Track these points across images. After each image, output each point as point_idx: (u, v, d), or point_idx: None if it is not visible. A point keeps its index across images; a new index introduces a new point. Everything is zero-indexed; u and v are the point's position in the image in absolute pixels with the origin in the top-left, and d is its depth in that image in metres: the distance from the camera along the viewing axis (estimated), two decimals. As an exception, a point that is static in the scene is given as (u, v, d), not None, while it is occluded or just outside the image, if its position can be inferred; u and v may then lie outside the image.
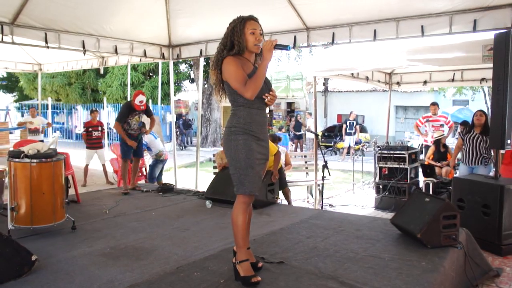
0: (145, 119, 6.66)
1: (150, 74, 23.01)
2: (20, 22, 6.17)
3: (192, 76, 25.31)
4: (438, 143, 8.22)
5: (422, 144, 9.62)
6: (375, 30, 5.88)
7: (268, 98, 2.93)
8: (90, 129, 9.30)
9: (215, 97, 3.18)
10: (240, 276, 2.90)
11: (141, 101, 6.17)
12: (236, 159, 2.89)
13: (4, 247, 3.05)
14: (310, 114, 17.19)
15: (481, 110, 6.29)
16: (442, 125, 9.06)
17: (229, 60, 2.87)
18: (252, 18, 2.95)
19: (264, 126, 3.03)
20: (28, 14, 6.10)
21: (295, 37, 6.56)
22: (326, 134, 20.82)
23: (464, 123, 7.87)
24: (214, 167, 7.61)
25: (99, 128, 9.44)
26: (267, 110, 3.10)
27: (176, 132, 19.49)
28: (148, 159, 8.78)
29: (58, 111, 23.59)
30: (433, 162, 8.10)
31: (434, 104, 9.30)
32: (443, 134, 8.46)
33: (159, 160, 8.36)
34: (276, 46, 2.87)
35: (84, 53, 7.36)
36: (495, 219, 4.54)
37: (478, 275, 3.70)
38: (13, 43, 6.41)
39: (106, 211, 5.15)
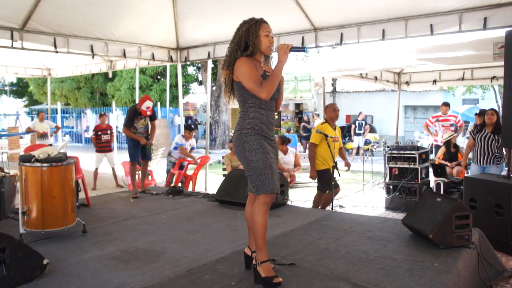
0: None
1: (158, 77, 23.13)
2: (30, 28, 6.24)
3: (200, 78, 25.42)
4: (449, 143, 8.15)
5: (432, 144, 9.55)
6: (383, 30, 5.85)
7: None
8: (99, 132, 9.34)
9: (223, 98, 3.22)
10: (261, 277, 2.86)
11: (148, 107, 6.19)
12: (253, 160, 2.87)
13: (16, 251, 3.06)
14: (318, 115, 17.13)
15: (492, 109, 6.22)
16: (452, 125, 8.99)
17: (243, 61, 2.88)
18: (265, 21, 2.97)
19: (273, 126, 3.04)
20: (37, 20, 6.16)
21: (303, 37, 6.55)
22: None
23: (481, 113, 7.70)
24: (224, 169, 7.61)
25: (108, 132, 9.48)
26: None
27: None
28: (156, 163, 8.76)
29: (67, 115, 23.81)
30: (443, 162, 8.02)
31: (446, 104, 9.22)
32: (452, 134, 8.39)
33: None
34: (292, 48, 2.90)
35: (93, 57, 7.41)
36: (508, 219, 4.48)
37: (492, 276, 3.66)
38: (22, 48, 6.47)
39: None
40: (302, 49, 2.96)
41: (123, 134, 19.58)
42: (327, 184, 5.84)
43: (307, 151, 16.87)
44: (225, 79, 3.01)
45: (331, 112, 6.03)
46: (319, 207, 6.02)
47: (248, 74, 2.84)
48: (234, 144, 3.00)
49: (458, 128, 9.09)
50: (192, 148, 8.21)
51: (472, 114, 17.45)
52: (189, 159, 8.10)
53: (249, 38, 2.90)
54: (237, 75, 2.90)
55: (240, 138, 2.93)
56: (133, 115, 6.27)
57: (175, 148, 8.00)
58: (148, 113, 6.23)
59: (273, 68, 3.01)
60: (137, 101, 13.43)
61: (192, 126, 8.28)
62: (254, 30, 2.90)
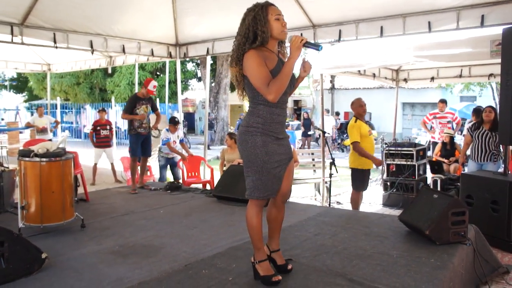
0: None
1: (158, 73, 23.11)
2: (29, 23, 6.25)
3: (199, 74, 25.40)
4: (446, 141, 8.19)
5: (429, 141, 9.58)
6: (381, 27, 5.87)
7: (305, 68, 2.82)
8: (98, 127, 9.34)
9: (237, 95, 2.96)
10: (260, 276, 2.84)
11: (154, 86, 6.37)
12: (253, 161, 2.72)
13: (15, 245, 3.08)
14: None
15: (490, 106, 6.23)
16: (449, 122, 9.01)
17: (252, 55, 2.63)
18: (271, 4, 2.72)
19: (284, 124, 2.86)
20: (37, 15, 6.17)
21: (301, 34, 6.55)
22: (333, 131, 20.78)
23: (476, 110, 7.72)
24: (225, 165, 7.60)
25: (108, 127, 9.48)
26: None
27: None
28: (155, 158, 8.74)
29: (66, 110, 23.82)
30: (440, 159, 8.05)
31: (443, 101, 9.24)
32: (450, 132, 8.42)
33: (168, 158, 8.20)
34: (306, 44, 2.67)
35: (92, 53, 7.43)
36: (504, 216, 4.52)
37: (487, 272, 3.68)
38: (22, 43, 6.48)
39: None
40: (316, 47, 2.73)
41: (122, 130, 19.55)
42: (365, 184, 5.86)
43: (305, 147, 16.96)
44: (236, 76, 2.77)
45: (357, 107, 5.90)
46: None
47: (256, 71, 2.61)
48: (238, 140, 2.84)
49: (456, 125, 9.11)
50: (181, 141, 8.15)
51: (470, 111, 17.49)
52: (177, 155, 8.06)
53: (258, 26, 2.64)
54: (246, 70, 2.67)
55: (245, 135, 2.75)
56: (135, 100, 6.33)
57: (163, 143, 7.94)
58: (155, 92, 6.40)
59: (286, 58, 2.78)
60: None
61: (176, 119, 8.15)
62: (262, 16, 2.64)
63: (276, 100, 2.64)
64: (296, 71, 2.81)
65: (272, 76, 2.64)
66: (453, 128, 8.91)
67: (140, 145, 6.41)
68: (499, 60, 4.84)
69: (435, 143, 8.86)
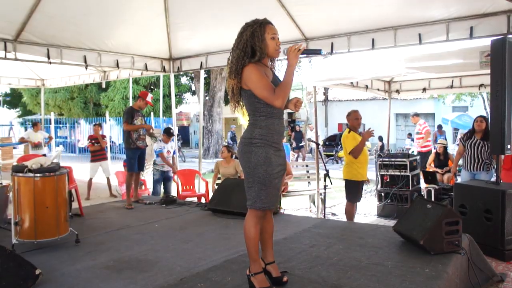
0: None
1: (152, 87, 23.16)
2: (23, 39, 6.27)
3: (193, 88, 25.47)
4: (439, 152, 8.28)
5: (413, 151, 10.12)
6: (373, 39, 5.94)
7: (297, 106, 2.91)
8: (93, 141, 9.34)
9: (230, 107, 3.05)
10: None
11: (151, 97, 6.68)
12: (255, 173, 2.78)
13: (8, 261, 3.06)
14: (311, 125, 17.21)
15: (481, 116, 6.30)
16: (417, 133, 9.91)
17: (252, 69, 2.73)
18: (270, 22, 2.83)
19: (282, 135, 2.94)
20: (30, 31, 6.19)
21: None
22: (327, 143, 20.87)
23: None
24: (218, 178, 7.61)
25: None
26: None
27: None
28: (150, 172, 8.72)
29: (61, 125, 23.77)
30: (434, 169, 8.11)
31: (412, 115, 10.29)
32: (443, 143, 8.52)
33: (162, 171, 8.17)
34: (306, 51, 2.79)
35: (86, 68, 7.44)
36: (497, 224, 4.55)
37: (482, 281, 3.70)
38: (16, 59, 6.49)
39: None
40: (317, 51, 2.85)
41: (117, 144, 19.45)
42: (359, 196, 5.93)
43: (299, 159, 17.00)
44: (233, 88, 2.84)
45: (353, 120, 5.99)
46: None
47: (260, 83, 2.71)
48: (240, 151, 2.86)
49: (424, 134, 9.77)
50: (173, 154, 8.16)
51: (462, 121, 17.68)
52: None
53: (255, 43, 2.75)
54: (247, 83, 2.75)
55: (248, 147, 2.80)
56: (132, 112, 6.40)
57: (157, 154, 7.90)
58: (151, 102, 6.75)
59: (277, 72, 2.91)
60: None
61: (171, 130, 8.14)
62: (259, 34, 2.75)
63: (283, 105, 2.76)
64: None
65: None
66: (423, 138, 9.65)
67: (136, 160, 6.41)
68: (488, 71, 4.91)
69: (421, 153, 9.38)
